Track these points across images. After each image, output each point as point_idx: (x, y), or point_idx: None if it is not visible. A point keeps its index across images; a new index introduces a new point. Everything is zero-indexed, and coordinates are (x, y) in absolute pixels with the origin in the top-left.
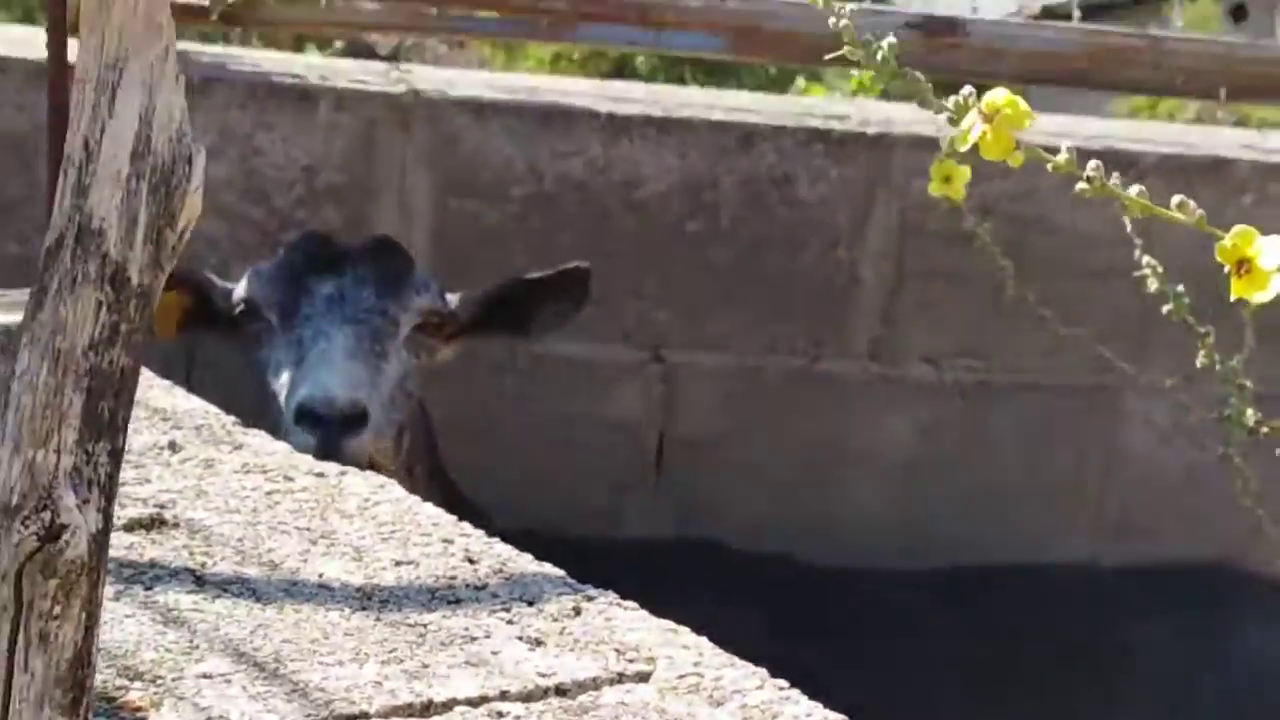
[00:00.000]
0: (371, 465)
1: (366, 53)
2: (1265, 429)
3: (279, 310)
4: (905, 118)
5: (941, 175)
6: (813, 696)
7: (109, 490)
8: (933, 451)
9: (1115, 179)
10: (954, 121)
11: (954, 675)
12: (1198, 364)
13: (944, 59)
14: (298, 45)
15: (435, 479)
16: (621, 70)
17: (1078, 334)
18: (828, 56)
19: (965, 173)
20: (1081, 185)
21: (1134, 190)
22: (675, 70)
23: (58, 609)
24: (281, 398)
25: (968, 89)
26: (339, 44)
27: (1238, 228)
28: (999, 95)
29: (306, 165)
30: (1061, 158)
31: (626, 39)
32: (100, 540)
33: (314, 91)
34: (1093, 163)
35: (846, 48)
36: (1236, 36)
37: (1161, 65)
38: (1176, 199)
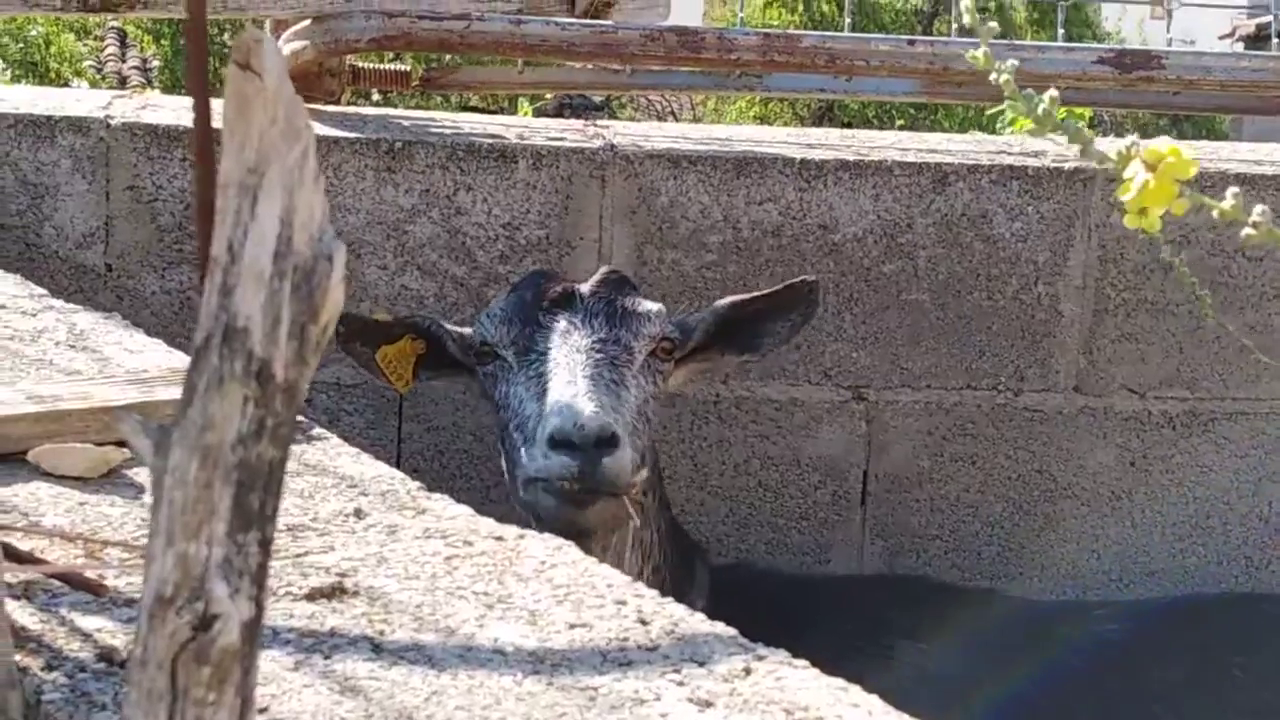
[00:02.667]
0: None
1: (580, 101)
2: None
3: (515, 348)
4: (1105, 165)
5: (1137, 208)
6: None
7: (260, 579)
8: (1141, 482)
9: None
10: (1118, 171)
11: (1168, 708)
12: None
13: (1141, 92)
14: (511, 101)
15: (665, 507)
16: (831, 109)
17: None
18: (990, 110)
19: (1180, 209)
20: (1248, 230)
21: None
22: (884, 110)
23: (212, 695)
24: (528, 428)
25: (1131, 138)
26: (549, 96)
27: None
28: (1162, 144)
29: (507, 222)
30: (1227, 204)
31: (817, 87)
32: (252, 628)
33: (513, 150)
34: (1259, 209)
35: (1008, 102)
36: None
37: None
38: None
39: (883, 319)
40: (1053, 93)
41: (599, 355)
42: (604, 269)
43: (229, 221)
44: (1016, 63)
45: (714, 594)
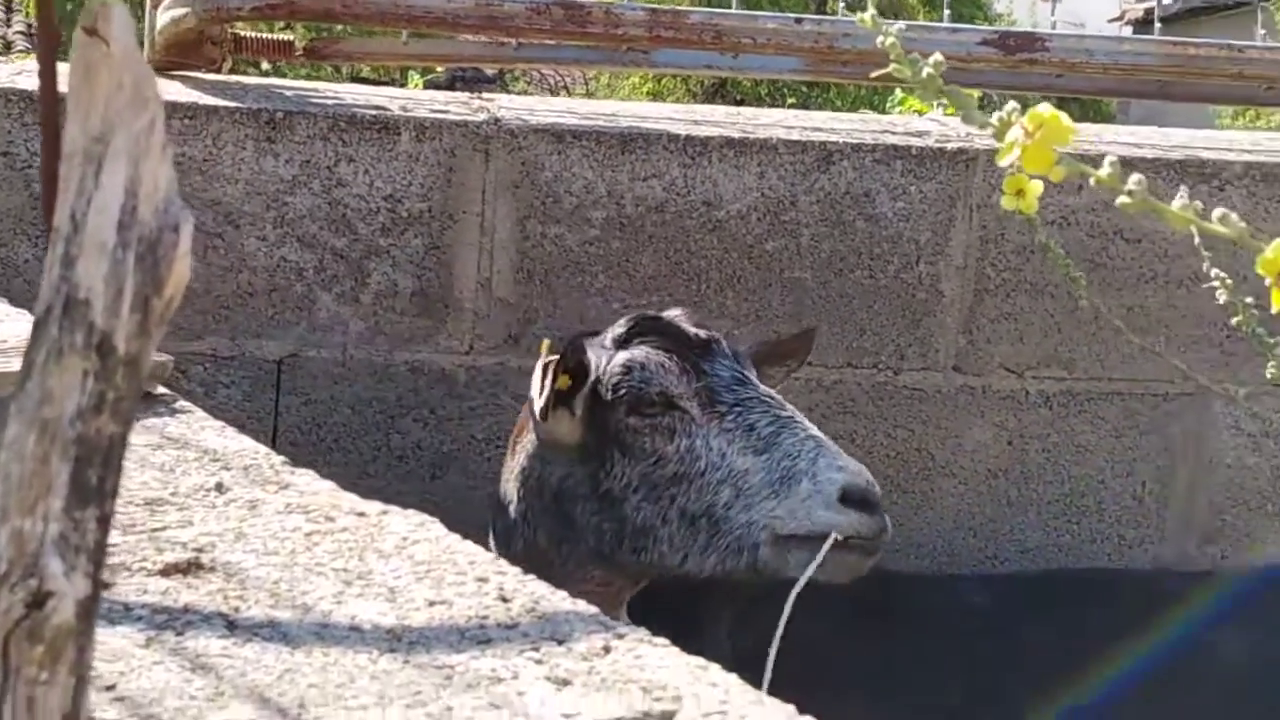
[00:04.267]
0: None
1: (472, 74)
2: None
3: (699, 399)
4: (986, 132)
5: (1014, 189)
6: (896, 701)
7: (98, 556)
8: (1018, 460)
9: (1185, 191)
10: (998, 137)
11: (1038, 679)
12: (1267, 374)
13: (1025, 74)
14: (403, 73)
15: None
16: (724, 86)
17: (1154, 345)
18: (874, 74)
19: (1038, 186)
20: (1123, 199)
21: (1177, 204)
22: (776, 88)
23: (44, 675)
24: (750, 481)
25: (1011, 105)
26: (440, 70)
27: (1278, 240)
28: (1043, 110)
29: (389, 194)
30: (1104, 171)
31: (704, 63)
32: (88, 606)
33: (395, 122)
34: (1135, 177)
35: (893, 66)
36: None
37: (1244, 75)
38: (1218, 212)
39: (765, 297)
40: (937, 57)
41: (788, 409)
42: (684, 312)
43: (72, 191)
44: (904, 25)
45: None
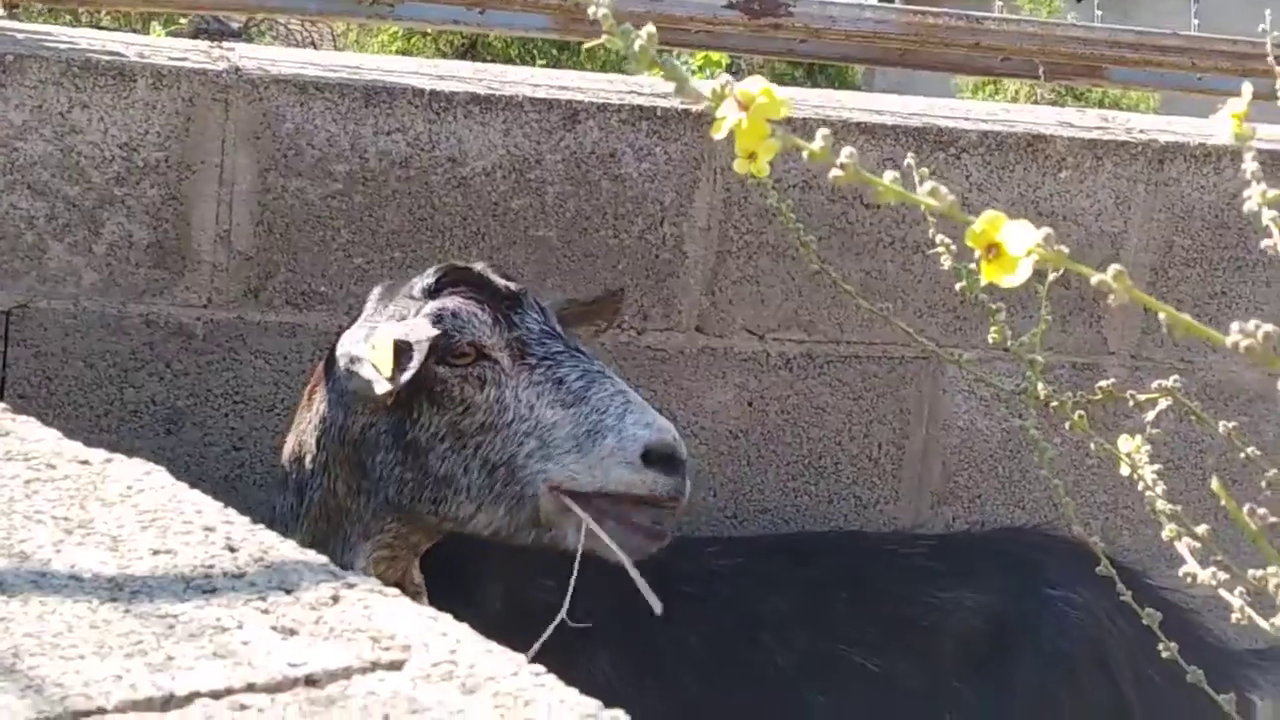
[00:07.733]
0: None
1: (216, 26)
2: (1055, 403)
3: (509, 350)
4: (701, 105)
5: (746, 152)
6: (634, 661)
7: None
8: (758, 422)
9: (911, 159)
10: (712, 110)
11: (775, 638)
12: (989, 340)
13: (768, 40)
14: (145, 24)
15: None
16: (475, 46)
17: (887, 310)
18: (586, 45)
19: (770, 150)
20: (835, 172)
21: (888, 177)
22: (526, 49)
23: None
24: (556, 435)
25: (725, 77)
26: (184, 21)
27: (986, 213)
28: (754, 85)
29: (125, 142)
30: (817, 145)
31: (449, 17)
32: None
33: (131, 68)
34: (846, 150)
35: (605, 36)
36: (1077, 16)
37: (981, 45)
38: (927, 186)
39: (509, 255)
40: (650, 29)
41: (598, 364)
42: (489, 264)
43: None
44: None
45: None
